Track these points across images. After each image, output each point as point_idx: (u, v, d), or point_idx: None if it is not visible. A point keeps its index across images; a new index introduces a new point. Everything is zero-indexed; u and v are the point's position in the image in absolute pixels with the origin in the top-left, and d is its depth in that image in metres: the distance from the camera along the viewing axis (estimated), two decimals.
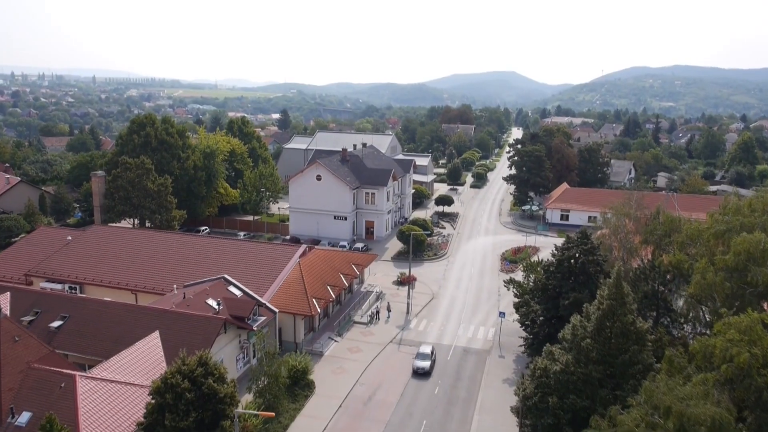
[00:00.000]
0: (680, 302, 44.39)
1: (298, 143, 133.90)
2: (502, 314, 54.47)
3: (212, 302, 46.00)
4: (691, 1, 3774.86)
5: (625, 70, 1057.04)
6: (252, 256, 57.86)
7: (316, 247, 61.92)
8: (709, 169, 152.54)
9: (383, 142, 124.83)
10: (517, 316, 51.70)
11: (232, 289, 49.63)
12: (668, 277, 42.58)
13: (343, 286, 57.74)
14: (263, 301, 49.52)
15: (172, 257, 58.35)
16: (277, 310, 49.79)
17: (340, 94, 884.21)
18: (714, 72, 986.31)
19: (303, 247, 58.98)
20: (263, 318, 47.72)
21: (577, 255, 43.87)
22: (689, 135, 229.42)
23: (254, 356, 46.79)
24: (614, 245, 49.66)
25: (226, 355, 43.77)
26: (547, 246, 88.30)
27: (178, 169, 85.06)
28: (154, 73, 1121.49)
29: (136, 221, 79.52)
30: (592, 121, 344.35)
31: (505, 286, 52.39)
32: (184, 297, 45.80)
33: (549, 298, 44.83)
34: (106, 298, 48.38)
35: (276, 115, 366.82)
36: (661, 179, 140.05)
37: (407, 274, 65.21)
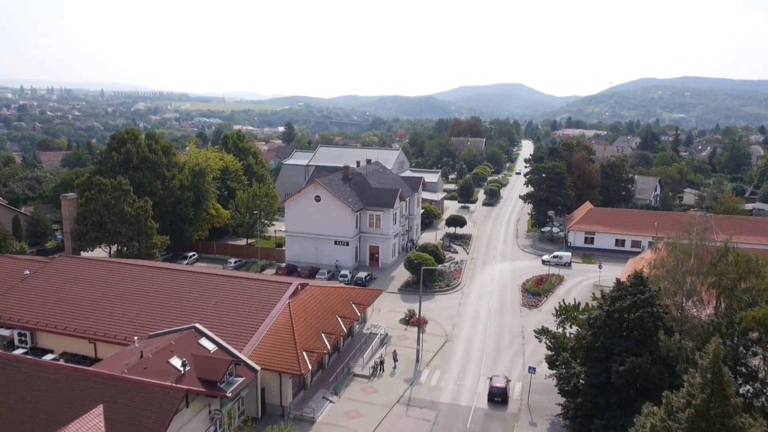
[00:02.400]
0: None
1: (298, 159, 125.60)
2: (531, 370, 45.26)
3: (176, 362, 37.18)
4: (698, 12, 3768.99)
5: (633, 82, 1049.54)
6: (234, 295, 49.10)
7: (310, 282, 53.07)
8: (738, 185, 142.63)
9: (390, 158, 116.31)
10: (549, 371, 42.59)
11: (204, 342, 40.82)
12: (752, 336, 33.40)
13: (341, 332, 48.78)
14: (242, 358, 40.65)
15: (142, 296, 49.69)
16: (258, 368, 40.91)
17: (347, 107, 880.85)
18: (723, 83, 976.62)
19: (294, 284, 50.13)
20: (241, 379, 38.83)
21: (631, 306, 34.76)
22: (709, 147, 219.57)
23: (228, 429, 37.89)
24: (668, 288, 40.42)
25: None
26: (572, 274, 79.22)
27: (161, 189, 76.77)
28: (163, 87, 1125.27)
29: (114, 249, 71.11)
30: (605, 133, 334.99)
31: (537, 337, 43.42)
32: (141, 356, 37.00)
33: (596, 359, 35.67)
34: (47, 357, 39.73)
35: (282, 128, 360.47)
36: (688, 196, 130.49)
37: (416, 313, 56.06)
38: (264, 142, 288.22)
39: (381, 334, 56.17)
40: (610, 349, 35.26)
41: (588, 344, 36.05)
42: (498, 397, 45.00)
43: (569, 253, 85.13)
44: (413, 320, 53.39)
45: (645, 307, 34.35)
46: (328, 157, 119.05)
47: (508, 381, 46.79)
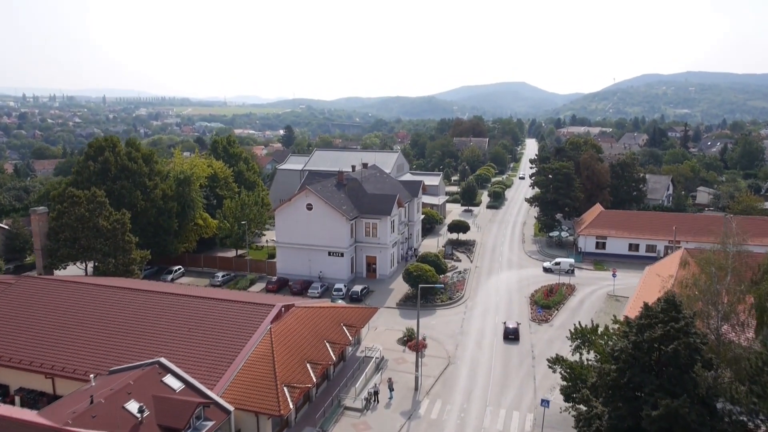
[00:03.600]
0: None
1: (293, 163, 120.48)
2: (545, 403, 39.87)
3: (133, 406, 32.07)
4: (700, 6, 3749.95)
5: (636, 78, 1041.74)
6: (210, 320, 43.98)
7: (296, 303, 47.82)
8: (753, 182, 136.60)
9: (388, 161, 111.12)
10: (564, 404, 37.26)
11: (169, 379, 35.64)
12: None
13: (330, 361, 43.52)
14: (213, 397, 35.48)
15: (109, 323, 44.62)
16: (232, 409, 35.74)
17: (350, 109, 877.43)
18: (728, 77, 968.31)
19: (277, 306, 44.94)
20: (210, 424, 33.69)
21: (663, 336, 29.38)
22: (719, 143, 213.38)
23: None
24: (702, 310, 34.98)
25: None
26: (584, 283, 73.79)
27: (142, 200, 71.76)
28: (166, 92, 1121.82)
29: (90, 266, 66.14)
30: (610, 130, 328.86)
31: (550, 367, 38.13)
32: (92, 401, 31.87)
33: (622, 399, 30.31)
34: None
35: (283, 132, 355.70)
36: (702, 195, 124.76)
37: (415, 333, 50.59)
38: (263, 146, 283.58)
39: (376, 358, 50.88)
40: (639, 387, 29.91)
41: (612, 381, 30.67)
42: (511, 335, 56.95)
43: (571, 260, 79.79)
44: (411, 344, 48.21)
45: (680, 338, 28.97)
46: (323, 161, 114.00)
47: (518, 324, 59.05)
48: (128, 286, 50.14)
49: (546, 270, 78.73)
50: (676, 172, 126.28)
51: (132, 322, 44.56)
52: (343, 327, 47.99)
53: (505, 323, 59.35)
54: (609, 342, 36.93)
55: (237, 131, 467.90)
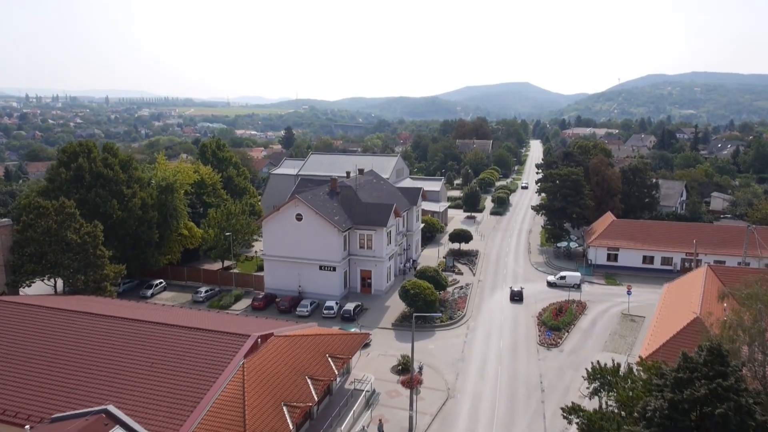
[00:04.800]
0: None
1: (288, 168, 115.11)
2: None
3: None
4: (705, 5, 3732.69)
5: (641, 78, 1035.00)
6: (176, 353, 38.64)
7: (275, 332, 42.37)
8: None
9: (387, 166, 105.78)
10: None
11: None
12: None
13: (311, 402, 38.09)
14: None
15: (59, 356, 39.28)
16: None
17: (353, 109, 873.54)
18: (734, 78, 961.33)
19: (252, 338, 39.53)
20: None
21: (708, 396, 23.89)
22: (730, 145, 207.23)
23: None
24: (746, 354, 29.47)
25: None
26: (595, 299, 68.24)
27: (119, 209, 66.54)
28: (169, 93, 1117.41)
29: (60, 282, 60.92)
30: (617, 131, 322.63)
31: (565, 418, 32.66)
32: None
33: None
34: None
35: (283, 132, 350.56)
36: (716, 201, 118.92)
37: (410, 363, 45.04)
38: (263, 147, 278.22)
39: (367, 391, 45.50)
40: None
41: None
42: (516, 296, 68.01)
43: (578, 274, 74.33)
44: (404, 379, 42.80)
45: (729, 399, 23.49)
46: (319, 165, 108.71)
47: (522, 288, 69.97)
48: (87, 310, 44.79)
49: (551, 284, 73.37)
50: (690, 177, 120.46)
51: (87, 354, 39.23)
52: (329, 359, 42.60)
53: (511, 288, 70.51)
54: (634, 385, 31.54)
55: (239, 132, 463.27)
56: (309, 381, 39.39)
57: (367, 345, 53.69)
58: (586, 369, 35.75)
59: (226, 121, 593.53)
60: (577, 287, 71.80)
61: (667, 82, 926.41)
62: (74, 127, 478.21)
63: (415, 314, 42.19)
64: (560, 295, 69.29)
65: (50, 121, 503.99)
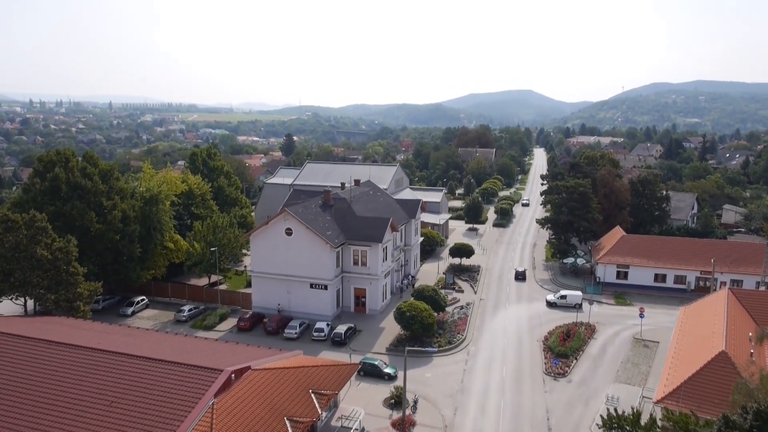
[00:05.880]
0: None
1: (283, 177, 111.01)
2: None
3: None
4: (710, 14, 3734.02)
5: (645, 86, 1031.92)
6: (139, 390, 34.37)
7: (252, 366, 38.04)
8: None
9: (386, 175, 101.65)
10: None
11: None
12: None
13: None
14: None
15: (5, 390, 35.12)
16: None
17: (356, 116, 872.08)
18: (738, 86, 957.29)
19: (225, 373, 35.24)
20: None
21: None
22: (738, 155, 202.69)
23: None
24: None
25: None
26: (605, 321, 63.78)
27: (97, 222, 62.48)
28: (173, 99, 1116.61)
29: (31, 301, 56.81)
30: (621, 140, 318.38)
31: None
32: None
33: None
34: None
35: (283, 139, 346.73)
36: (728, 214, 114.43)
37: (403, 395, 40.58)
38: (263, 154, 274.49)
39: (355, 429, 41.13)
40: None
41: None
42: (520, 275, 78.23)
43: (579, 293, 70.06)
44: (395, 420, 38.39)
45: None
46: (315, 175, 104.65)
47: (525, 269, 79.84)
48: (47, 336, 40.51)
49: (550, 304, 68.97)
50: (701, 188, 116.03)
51: (39, 388, 35.02)
52: (312, 395, 38.30)
53: (516, 269, 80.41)
54: None
55: (241, 138, 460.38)
56: (288, 423, 35.06)
57: (359, 372, 49.41)
58: (602, 416, 31.39)
59: (228, 127, 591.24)
60: (578, 307, 67.58)
61: (671, 90, 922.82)
62: (76, 132, 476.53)
63: (407, 348, 37.69)
64: (567, 317, 64.96)
65: (52, 126, 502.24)
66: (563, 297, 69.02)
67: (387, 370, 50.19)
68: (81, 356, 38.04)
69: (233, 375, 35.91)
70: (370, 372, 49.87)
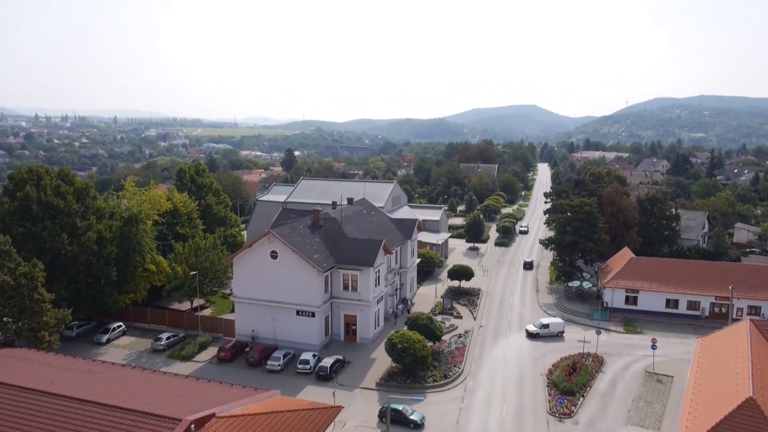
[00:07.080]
0: None
1: (276, 194, 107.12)
2: None
3: None
4: (714, 30, 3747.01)
5: (649, 101, 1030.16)
6: None
7: (216, 413, 33.63)
8: None
9: (382, 193, 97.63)
10: None
11: None
12: None
13: None
14: None
15: None
16: None
17: (360, 131, 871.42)
18: (742, 101, 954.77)
19: (184, 424, 30.91)
20: None
21: None
22: (747, 171, 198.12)
23: None
24: None
25: None
26: (614, 352, 59.09)
27: (69, 244, 58.51)
28: (178, 114, 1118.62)
29: None
30: (627, 155, 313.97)
31: None
32: None
33: None
34: None
35: (284, 154, 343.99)
36: (740, 233, 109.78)
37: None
38: (263, 169, 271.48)
39: None
40: None
41: None
42: (528, 265, 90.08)
43: (560, 320, 65.49)
44: None
45: None
46: (310, 192, 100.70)
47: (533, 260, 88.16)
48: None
49: (531, 335, 63.95)
50: (711, 206, 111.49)
51: None
52: None
53: (524, 260, 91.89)
54: None
55: (244, 153, 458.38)
56: None
57: (381, 419, 44.35)
58: None
59: (232, 142, 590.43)
60: (560, 335, 63.10)
61: (675, 105, 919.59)
62: (79, 146, 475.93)
63: (389, 397, 33.29)
64: (572, 345, 60.38)
65: (55, 141, 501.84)
66: (545, 326, 64.06)
67: (412, 417, 44.34)
68: (25, 400, 33.88)
69: (193, 425, 31.54)
70: (394, 419, 43.60)
